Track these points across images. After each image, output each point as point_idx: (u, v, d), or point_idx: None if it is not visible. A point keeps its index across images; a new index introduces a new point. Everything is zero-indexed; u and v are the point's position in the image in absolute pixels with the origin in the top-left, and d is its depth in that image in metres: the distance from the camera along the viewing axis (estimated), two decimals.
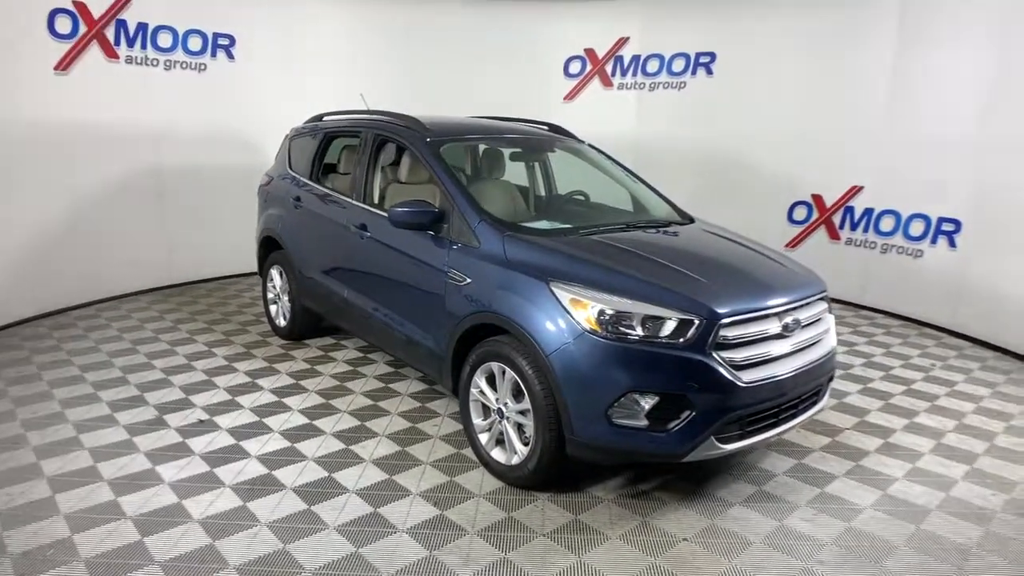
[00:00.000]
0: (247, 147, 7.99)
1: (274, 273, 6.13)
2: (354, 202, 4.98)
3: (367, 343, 5.81)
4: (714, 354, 3.26)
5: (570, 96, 9.08)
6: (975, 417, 4.84)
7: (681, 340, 3.25)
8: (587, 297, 3.36)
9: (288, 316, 5.99)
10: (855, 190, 7.47)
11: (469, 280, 3.88)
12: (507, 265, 3.73)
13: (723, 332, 3.30)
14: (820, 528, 3.44)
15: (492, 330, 3.77)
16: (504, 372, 3.68)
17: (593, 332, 3.30)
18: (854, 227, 7.53)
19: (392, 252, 4.50)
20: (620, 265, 3.61)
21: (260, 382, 5.17)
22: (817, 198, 7.77)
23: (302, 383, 5.17)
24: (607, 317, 3.30)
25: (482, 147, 5.17)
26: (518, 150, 5.30)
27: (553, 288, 3.45)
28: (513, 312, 3.58)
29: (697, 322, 3.26)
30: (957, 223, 6.63)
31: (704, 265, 3.81)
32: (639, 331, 3.28)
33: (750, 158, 8.15)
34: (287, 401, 4.85)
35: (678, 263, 3.68)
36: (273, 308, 6.25)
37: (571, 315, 3.36)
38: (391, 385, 5.15)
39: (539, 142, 5.39)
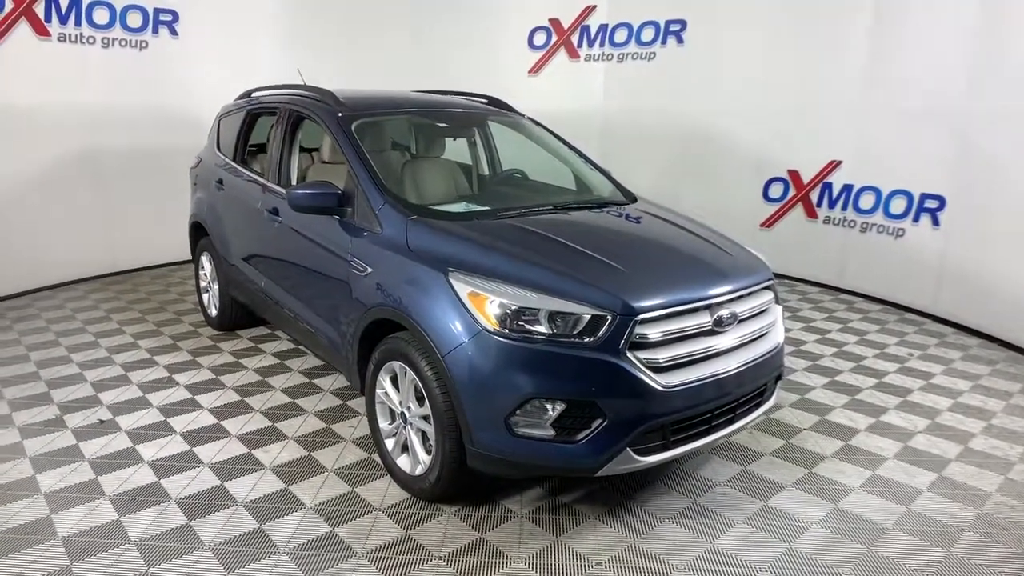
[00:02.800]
0: (193, 128, 7.40)
1: (204, 260, 5.74)
2: (269, 184, 4.56)
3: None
4: (629, 355, 2.84)
5: (535, 69, 8.56)
6: (950, 415, 4.40)
7: (590, 339, 2.84)
8: (487, 290, 2.95)
9: (218, 305, 5.60)
10: (833, 165, 6.97)
11: (371, 270, 3.46)
12: (408, 253, 3.31)
13: (640, 329, 2.88)
14: (754, 551, 3.03)
15: (396, 326, 3.36)
16: (406, 373, 3.27)
17: (493, 330, 2.89)
18: (832, 205, 7.04)
19: (302, 239, 4.09)
20: (529, 253, 3.19)
21: (177, 377, 4.79)
22: (794, 174, 7.27)
23: (221, 378, 4.79)
24: (509, 313, 2.89)
25: (406, 123, 4.71)
26: (444, 125, 4.84)
27: (451, 279, 3.04)
28: (409, 306, 3.17)
29: (610, 319, 2.85)
30: (941, 200, 6.16)
31: (629, 252, 3.38)
32: (544, 329, 2.87)
33: (723, 132, 7.63)
34: (200, 399, 4.48)
35: (598, 250, 3.25)
36: (205, 297, 5.86)
37: (469, 310, 2.95)
38: (316, 381, 4.76)
39: (467, 117, 4.90)
